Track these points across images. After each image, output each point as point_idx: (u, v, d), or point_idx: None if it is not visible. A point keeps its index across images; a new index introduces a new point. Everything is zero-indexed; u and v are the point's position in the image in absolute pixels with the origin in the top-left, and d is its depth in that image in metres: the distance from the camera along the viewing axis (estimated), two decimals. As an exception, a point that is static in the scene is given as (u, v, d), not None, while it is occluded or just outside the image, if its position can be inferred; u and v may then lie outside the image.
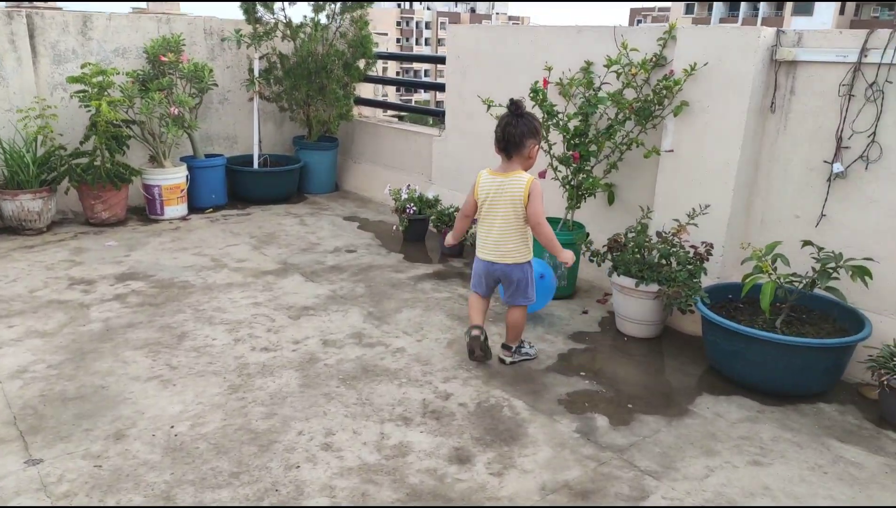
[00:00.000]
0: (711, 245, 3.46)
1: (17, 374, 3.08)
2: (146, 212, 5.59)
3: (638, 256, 3.58)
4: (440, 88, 5.54)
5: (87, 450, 2.52)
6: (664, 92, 3.69)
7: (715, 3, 51.85)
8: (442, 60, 5.44)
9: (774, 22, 48.30)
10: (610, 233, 4.15)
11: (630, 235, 3.67)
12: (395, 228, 5.16)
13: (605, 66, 3.84)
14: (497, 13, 77.65)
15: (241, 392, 2.98)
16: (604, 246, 3.72)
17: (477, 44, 5.05)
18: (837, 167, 3.26)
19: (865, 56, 3.10)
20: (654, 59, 3.83)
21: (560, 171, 4.15)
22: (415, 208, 5.03)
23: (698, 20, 53.68)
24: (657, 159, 3.91)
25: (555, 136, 4.24)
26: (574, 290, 4.23)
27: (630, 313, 3.64)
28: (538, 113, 4.07)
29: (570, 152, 3.99)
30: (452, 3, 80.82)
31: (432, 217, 4.92)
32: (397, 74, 43.09)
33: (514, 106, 2.95)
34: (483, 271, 3.19)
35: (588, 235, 4.11)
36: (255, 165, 6.21)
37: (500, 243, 3.09)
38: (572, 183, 4.09)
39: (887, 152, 3.13)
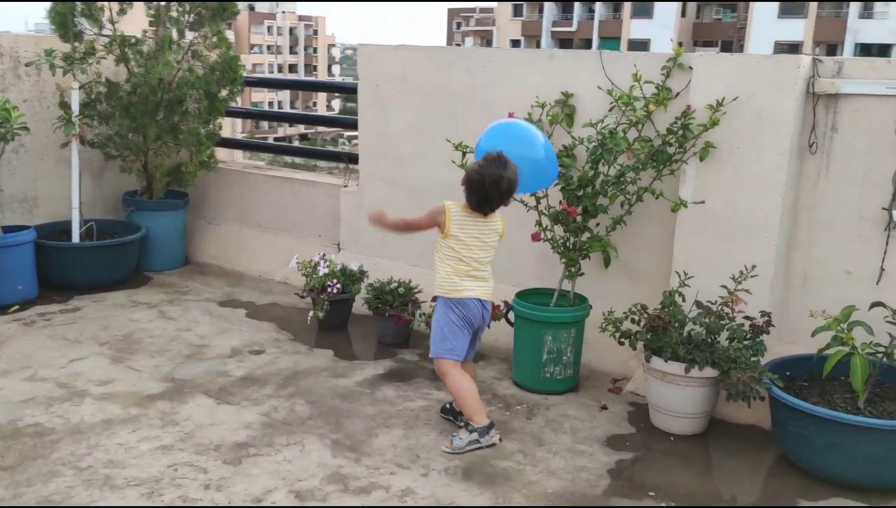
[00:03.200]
0: (769, 314, 3.64)
1: None
2: (-81, 319, 4.76)
3: (679, 334, 3.67)
4: (349, 124, 5.39)
5: None
6: (682, 132, 3.87)
7: (546, 5, 56.34)
8: (350, 90, 5.30)
9: (612, 25, 53.47)
10: (608, 304, 4.21)
11: (661, 307, 3.76)
12: (311, 314, 4.86)
13: (623, 102, 3.95)
14: (283, 11, 77.96)
15: (225, 593, 2.58)
16: (640, 323, 3.76)
17: (405, 69, 4.99)
18: (898, 215, 3.60)
19: (921, 90, 3.49)
20: (659, 92, 4.01)
21: (550, 231, 4.17)
22: (339, 286, 4.79)
23: (528, 23, 58.01)
24: (664, 213, 4.07)
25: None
26: (577, 380, 4.23)
27: (674, 406, 3.70)
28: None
29: (565, 207, 4.02)
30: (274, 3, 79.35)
31: (367, 296, 4.71)
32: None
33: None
34: (475, 315, 3.60)
35: (591, 308, 4.15)
36: (76, 238, 5.58)
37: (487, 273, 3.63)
38: (568, 245, 4.13)
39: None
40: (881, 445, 3.20)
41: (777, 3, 42.88)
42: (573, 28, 55.91)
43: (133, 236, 5.70)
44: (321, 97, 64.02)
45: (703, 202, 3.86)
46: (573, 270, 4.12)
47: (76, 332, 4.81)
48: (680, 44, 3.95)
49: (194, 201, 6.37)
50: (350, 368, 4.42)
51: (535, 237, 4.11)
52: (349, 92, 5.27)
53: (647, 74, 4.08)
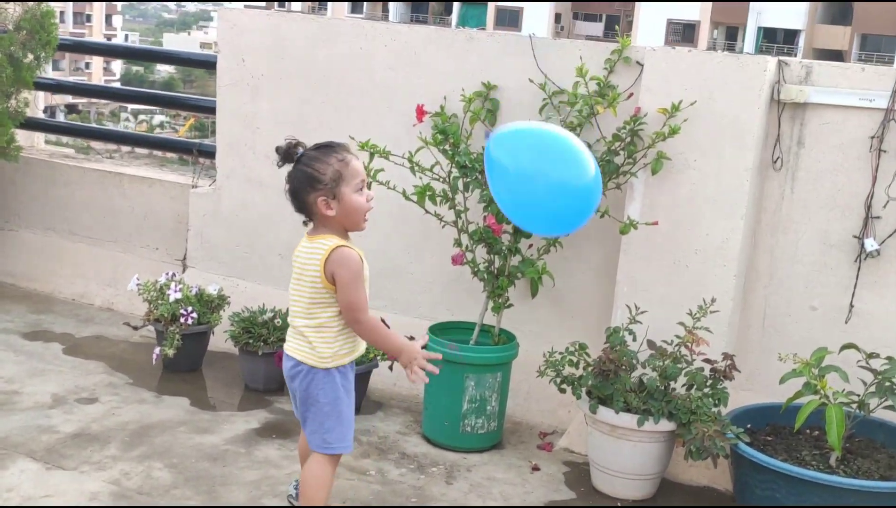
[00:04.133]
0: (732, 357, 3.74)
1: None
2: None
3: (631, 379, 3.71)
4: (204, 108, 5.14)
5: None
6: (630, 139, 3.92)
7: (391, 4, 56.89)
8: (207, 63, 5.06)
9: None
10: (535, 341, 4.25)
11: (609, 346, 3.79)
12: (156, 352, 4.56)
13: (569, 103, 3.95)
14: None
15: None
16: (585, 367, 3.78)
17: (281, 42, 4.83)
18: (871, 244, 3.80)
19: (899, 101, 3.71)
20: (602, 88, 4.06)
21: (471, 252, 4.12)
22: (195, 315, 4.52)
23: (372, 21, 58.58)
24: (605, 234, 4.13)
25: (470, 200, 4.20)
26: (501, 434, 4.20)
27: (623, 465, 3.74)
28: (443, 162, 4.05)
29: (491, 224, 3.98)
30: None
31: (232, 329, 4.49)
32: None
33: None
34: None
35: (517, 346, 4.13)
36: None
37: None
38: (493, 270, 4.09)
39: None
40: (858, 508, 3.35)
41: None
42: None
43: None
44: (96, 59, 60.65)
45: (657, 224, 3.92)
46: (500, 300, 4.08)
47: None
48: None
49: (-21, 201, 5.91)
50: (215, 421, 4.20)
51: (457, 260, 4.04)
52: (206, 66, 5.01)
53: (593, 69, 4.11)
